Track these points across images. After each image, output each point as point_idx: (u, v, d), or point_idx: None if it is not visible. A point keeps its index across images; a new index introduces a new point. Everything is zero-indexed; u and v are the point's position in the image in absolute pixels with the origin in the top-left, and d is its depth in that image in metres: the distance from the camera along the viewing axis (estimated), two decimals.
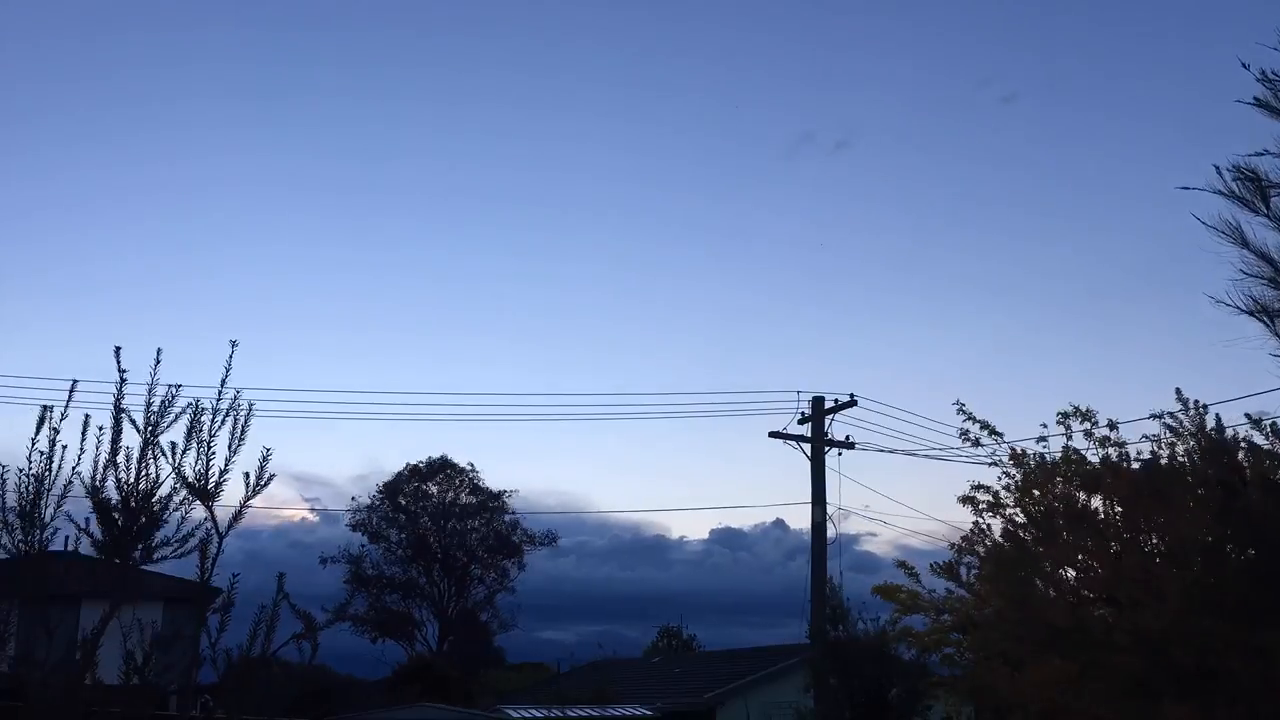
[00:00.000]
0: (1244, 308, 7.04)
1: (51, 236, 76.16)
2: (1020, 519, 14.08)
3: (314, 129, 78.12)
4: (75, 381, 6.91)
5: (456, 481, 49.42)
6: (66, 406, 6.84)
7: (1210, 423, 12.36)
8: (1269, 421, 11.91)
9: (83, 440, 6.66)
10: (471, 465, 49.73)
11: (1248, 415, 12.03)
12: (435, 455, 49.60)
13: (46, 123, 73.17)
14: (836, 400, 26.07)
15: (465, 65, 78.52)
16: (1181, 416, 12.50)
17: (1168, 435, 12.65)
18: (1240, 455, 11.62)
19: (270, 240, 79.66)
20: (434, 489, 49.32)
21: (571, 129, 79.80)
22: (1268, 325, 7.00)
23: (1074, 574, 13.02)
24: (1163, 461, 12.50)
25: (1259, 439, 11.78)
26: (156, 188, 76.31)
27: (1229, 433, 12.14)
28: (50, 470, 6.69)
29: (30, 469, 6.76)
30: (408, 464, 49.52)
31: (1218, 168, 6.96)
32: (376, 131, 78.95)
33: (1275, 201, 6.92)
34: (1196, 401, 12.65)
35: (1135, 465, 13.01)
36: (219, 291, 75.45)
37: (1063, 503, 13.25)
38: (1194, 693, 10.46)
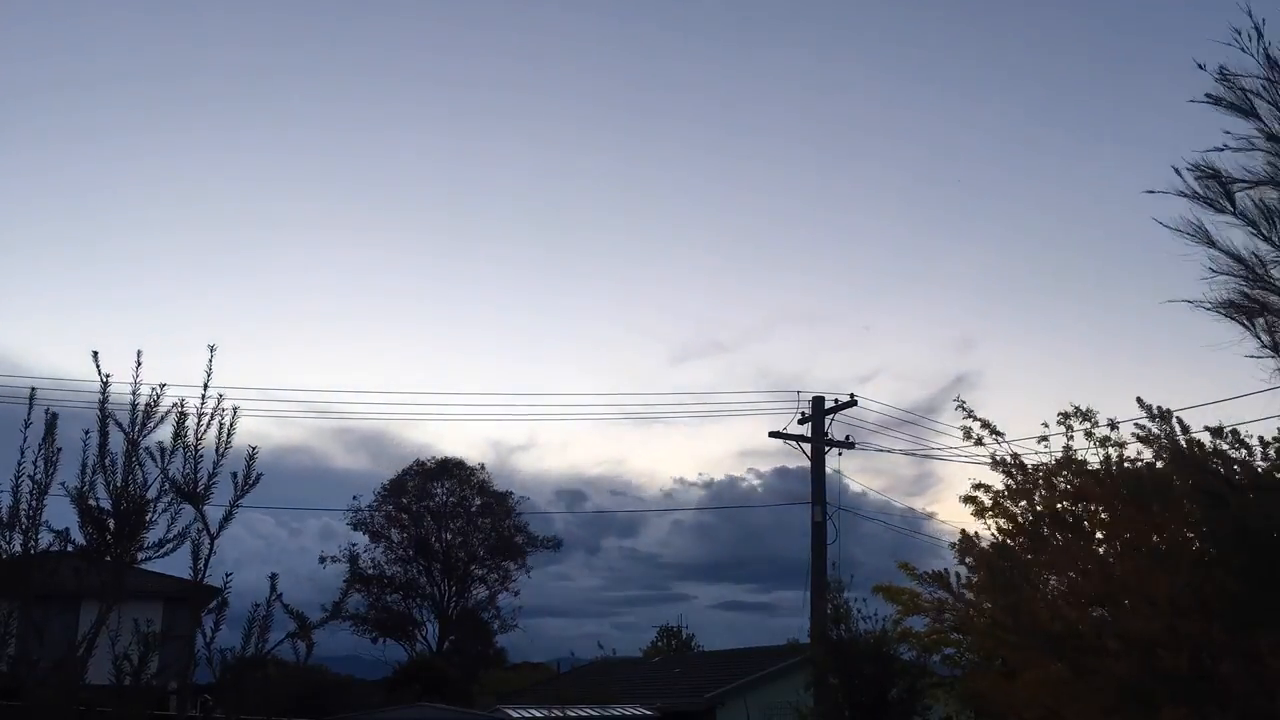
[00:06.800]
0: (1220, 310, 6.80)
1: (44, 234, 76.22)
2: (1016, 523, 14.07)
3: (316, 126, 78.24)
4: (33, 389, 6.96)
5: (464, 482, 49.20)
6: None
7: (1179, 429, 12.36)
8: (1229, 429, 11.92)
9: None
10: (482, 465, 49.70)
11: (1207, 428, 12.06)
12: (434, 455, 49.57)
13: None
14: (836, 400, 26.15)
15: (469, 62, 78.57)
16: (1147, 424, 12.50)
17: (1148, 444, 12.64)
18: (1212, 462, 11.61)
19: (268, 240, 79.72)
20: (440, 489, 49.10)
21: (573, 132, 79.89)
22: (1245, 326, 6.84)
23: (1066, 579, 13.01)
24: (1157, 465, 12.51)
25: (1224, 446, 11.81)
26: (159, 185, 76.42)
27: (1205, 439, 12.15)
28: (47, 474, 6.74)
29: (33, 472, 6.82)
30: (417, 461, 49.43)
31: (1176, 169, 6.71)
32: (377, 130, 79.01)
33: (1239, 197, 6.65)
34: (1162, 408, 12.62)
35: (1128, 465, 13.01)
36: (220, 293, 75.53)
37: (1053, 509, 13.24)
38: (1187, 697, 10.46)
